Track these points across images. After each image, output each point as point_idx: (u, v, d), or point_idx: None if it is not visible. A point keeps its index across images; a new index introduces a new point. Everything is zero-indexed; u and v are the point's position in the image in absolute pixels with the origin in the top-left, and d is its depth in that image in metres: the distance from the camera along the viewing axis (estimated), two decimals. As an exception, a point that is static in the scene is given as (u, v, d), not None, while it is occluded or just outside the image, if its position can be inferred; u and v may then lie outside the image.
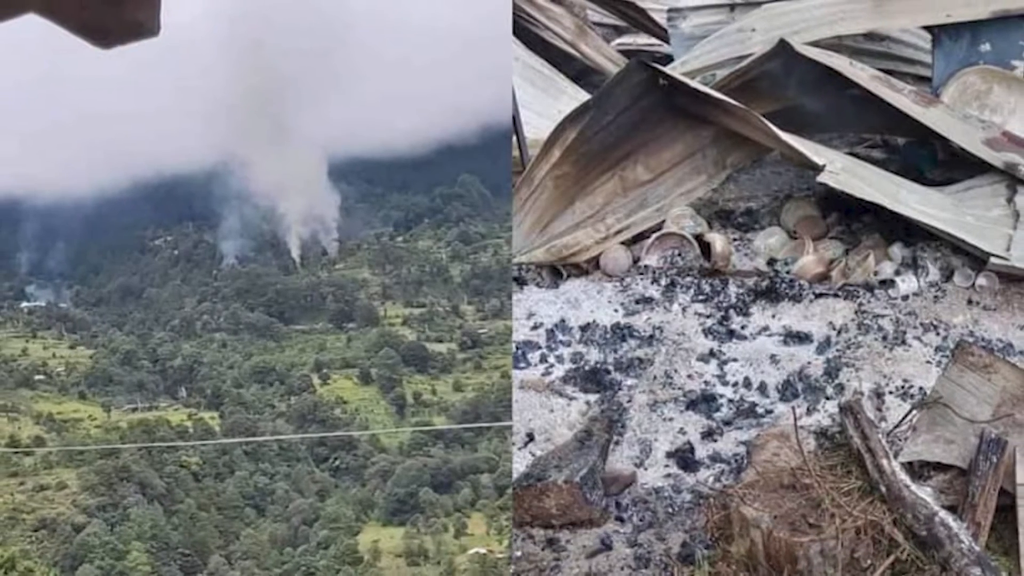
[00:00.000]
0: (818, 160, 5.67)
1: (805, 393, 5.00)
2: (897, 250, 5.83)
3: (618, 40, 9.55)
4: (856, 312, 5.44)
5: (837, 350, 5.22)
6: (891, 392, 4.87)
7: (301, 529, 36.23)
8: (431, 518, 36.06)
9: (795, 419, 4.21)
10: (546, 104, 7.43)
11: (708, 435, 4.80)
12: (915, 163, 6.55)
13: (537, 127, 6.83)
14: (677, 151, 6.19)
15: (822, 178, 5.68)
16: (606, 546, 4.20)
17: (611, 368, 5.26)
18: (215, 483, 37.80)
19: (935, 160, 6.57)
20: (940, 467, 4.01)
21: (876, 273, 5.72)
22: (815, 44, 6.57)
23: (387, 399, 43.90)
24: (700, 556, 4.01)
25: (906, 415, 4.37)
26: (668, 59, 7.76)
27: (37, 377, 43.42)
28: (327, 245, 53.46)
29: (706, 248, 5.97)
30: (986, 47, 6.57)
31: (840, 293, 5.59)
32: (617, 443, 4.76)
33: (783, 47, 6.19)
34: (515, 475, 4.49)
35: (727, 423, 4.88)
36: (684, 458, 4.67)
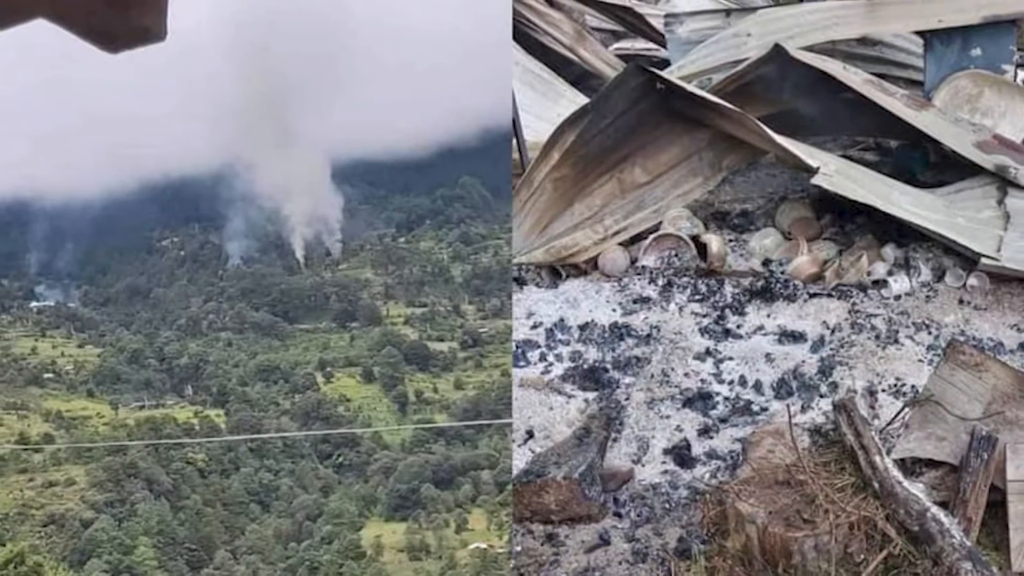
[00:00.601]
0: (812, 162, 5.74)
1: (800, 391, 5.08)
2: (890, 251, 5.90)
3: (616, 45, 9.60)
4: (849, 312, 5.51)
5: (831, 349, 5.30)
6: (884, 390, 4.95)
7: (305, 525, 36.43)
8: (432, 514, 36.27)
9: (790, 417, 4.26)
10: (545, 107, 7.50)
11: (704, 432, 4.88)
12: (907, 165, 6.62)
13: (537, 130, 6.91)
14: (674, 154, 6.26)
15: (816, 180, 5.75)
16: (604, 541, 4.27)
17: (609, 367, 5.34)
18: (221, 479, 38.00)
19: (927, 163, 6.64)
20: (932, 464, 4.08)
21: (869, 273, 5.79)
22: (809, 49, 6.64)
23: (389, 397, 44.08)
24: (696, 551, 4.09)
25: (898, 413, 4.43)
26: (665, 63, 7.82)
27: (46, 375, 43.75)
28: (331, 246, 53.71)
29: (702, 249, 6.05)
30: (977, 52, 6.65)
31: (834, 293, 5.66)
32: (615, 440, 4.85)
33: (777, 52, 6.26)
34: (515, 471, 4.57)
35: (723, 420, 4.96)
36: (681, 455, 4.75)
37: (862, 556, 3.78)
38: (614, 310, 5.73)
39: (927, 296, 5.62)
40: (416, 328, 47.35)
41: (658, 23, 8.65)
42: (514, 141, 7.15)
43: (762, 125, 5.78)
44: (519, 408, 5.03)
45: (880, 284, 5.70)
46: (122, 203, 54.03)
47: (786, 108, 6.38)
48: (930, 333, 5.34)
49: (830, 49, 7.11)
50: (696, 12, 8.02)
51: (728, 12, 7.90)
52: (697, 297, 5.76)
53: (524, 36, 8.63)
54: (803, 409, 4.87)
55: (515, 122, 7.13)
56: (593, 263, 6.12)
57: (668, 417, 4.97)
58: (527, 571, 4.16)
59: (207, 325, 48.46)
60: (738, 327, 5.55)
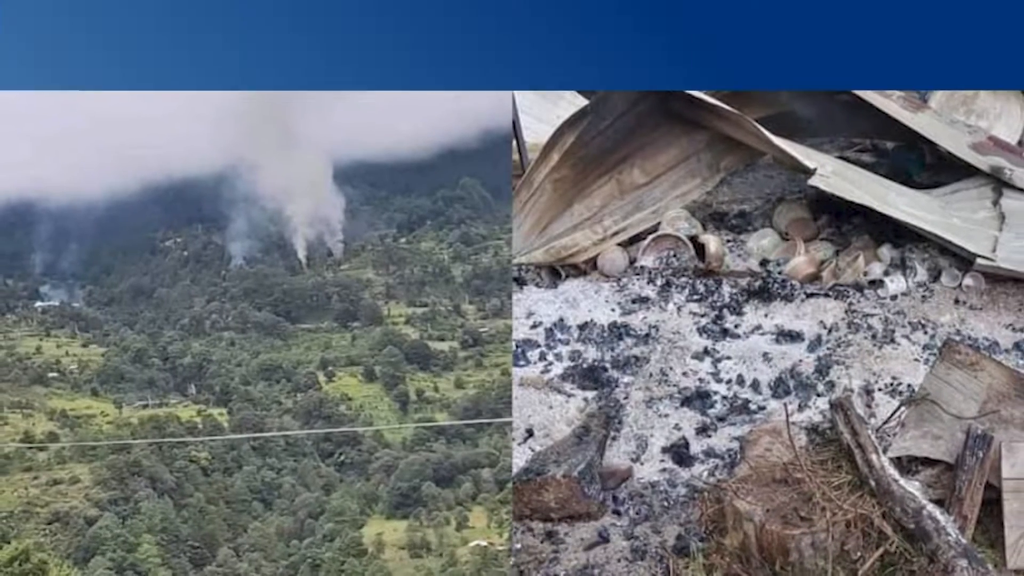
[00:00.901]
0: (809, 164, 5.80)
1: (797, 390, 5.14)
2: (886, 251, 5.96)
3: (616, 45, 9.61)
4: (846, 311, 5.57)
5: (828, 348, 5.36)
6: (880, 389, 5.01)
7: (307, 522, 36.58)
8: (433, 511, 36.41)
9: (787, 415, 4.32)
10: (545, 109, 7.56)
11: (702, 431, 4.95)
12: (904, 167, 6.67)
13: (536, 132, 6.98)
14: (672, 155, 6.32)
15: (813, 181, 5.81)
16: (603, 539, 4.34)
17: (608, 366, 5.41)
18: (223, 477, 38.15)
19: (923, 164, 6.69)
20: (928, 462, 4.13)
21: (866, 273, 5.85)
22: (807, 50, 6.67)
23: (391, 396, 44.22)
24: (695, 548, 4.15)
25: (895, 411, 4.48)
26: (665, 64, 7.86)
27: (51, 374, 43.94)
28: (332, 246, 53.87)
29: (700, 249, 6.11)
30: (973, 53, 6.66)
31: (831, 293, 5.72)
32: (614, 439, 4.92)
33: (776, 53, 6.29)
34: (515, 470, 4.64)
35: (721, 419, 5.03)
36: (679, 453, 4.82)
37: (859, 553, 3.82)
38: (613, 310, 5.79)
39: (923, 296, 5.68)
40: (417, 328, 47.49)
41: (657, 24, 8.66)
42: (514, 142, 7.21)
43: (760, 127, 5.84)
44: (519, 407, 5.09)
45: (876, 284, 5.76)
46: (126, 204, 54.26)
47: (784, 110, 6.44)
48: (926, 332, 5.40)
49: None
50: (695, 14, 8.03)
51: (726, 14, 7.91)
52: (695, 297, 5.82)
53: (524, 38, 8.65)
54: (800, 408, 4.94)
55: (515, 123, 7.20)
56: (592, 263, 6.18)
57: (667, 416, 5.03)
58: (527, 568, 4.22)
59: (210, 325, 48.64)
60: (736, 327, 5.61)
